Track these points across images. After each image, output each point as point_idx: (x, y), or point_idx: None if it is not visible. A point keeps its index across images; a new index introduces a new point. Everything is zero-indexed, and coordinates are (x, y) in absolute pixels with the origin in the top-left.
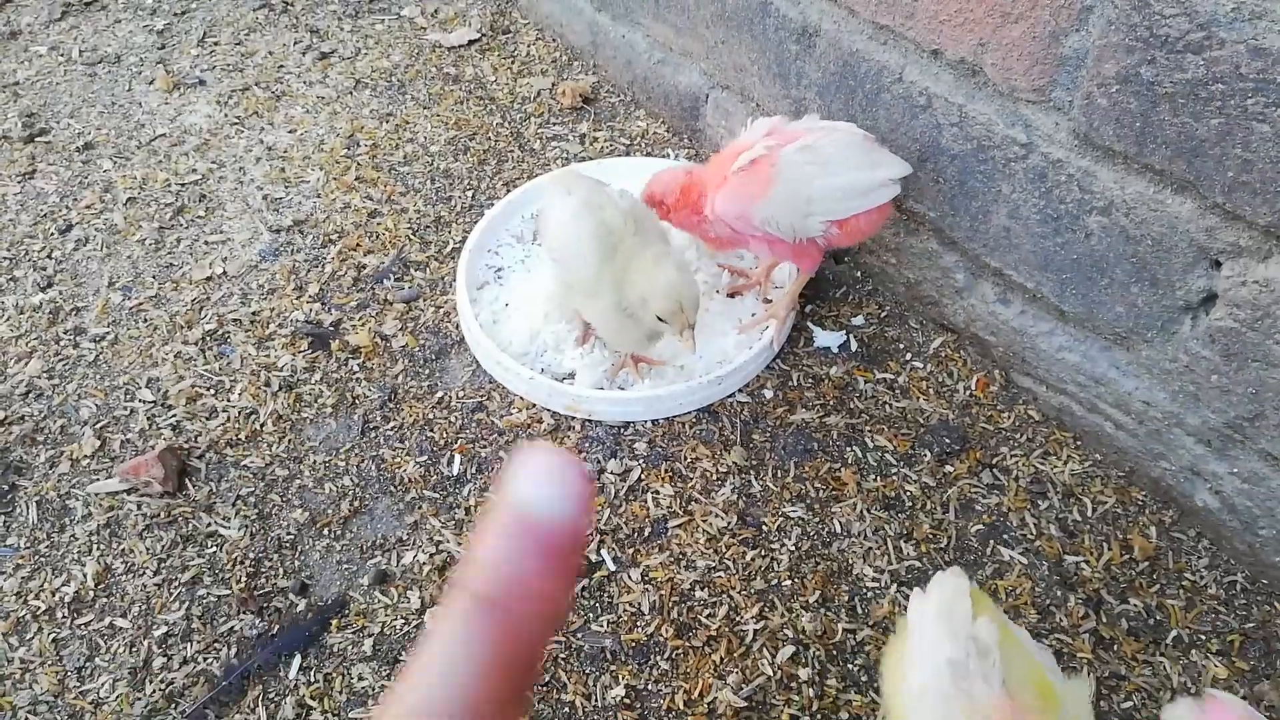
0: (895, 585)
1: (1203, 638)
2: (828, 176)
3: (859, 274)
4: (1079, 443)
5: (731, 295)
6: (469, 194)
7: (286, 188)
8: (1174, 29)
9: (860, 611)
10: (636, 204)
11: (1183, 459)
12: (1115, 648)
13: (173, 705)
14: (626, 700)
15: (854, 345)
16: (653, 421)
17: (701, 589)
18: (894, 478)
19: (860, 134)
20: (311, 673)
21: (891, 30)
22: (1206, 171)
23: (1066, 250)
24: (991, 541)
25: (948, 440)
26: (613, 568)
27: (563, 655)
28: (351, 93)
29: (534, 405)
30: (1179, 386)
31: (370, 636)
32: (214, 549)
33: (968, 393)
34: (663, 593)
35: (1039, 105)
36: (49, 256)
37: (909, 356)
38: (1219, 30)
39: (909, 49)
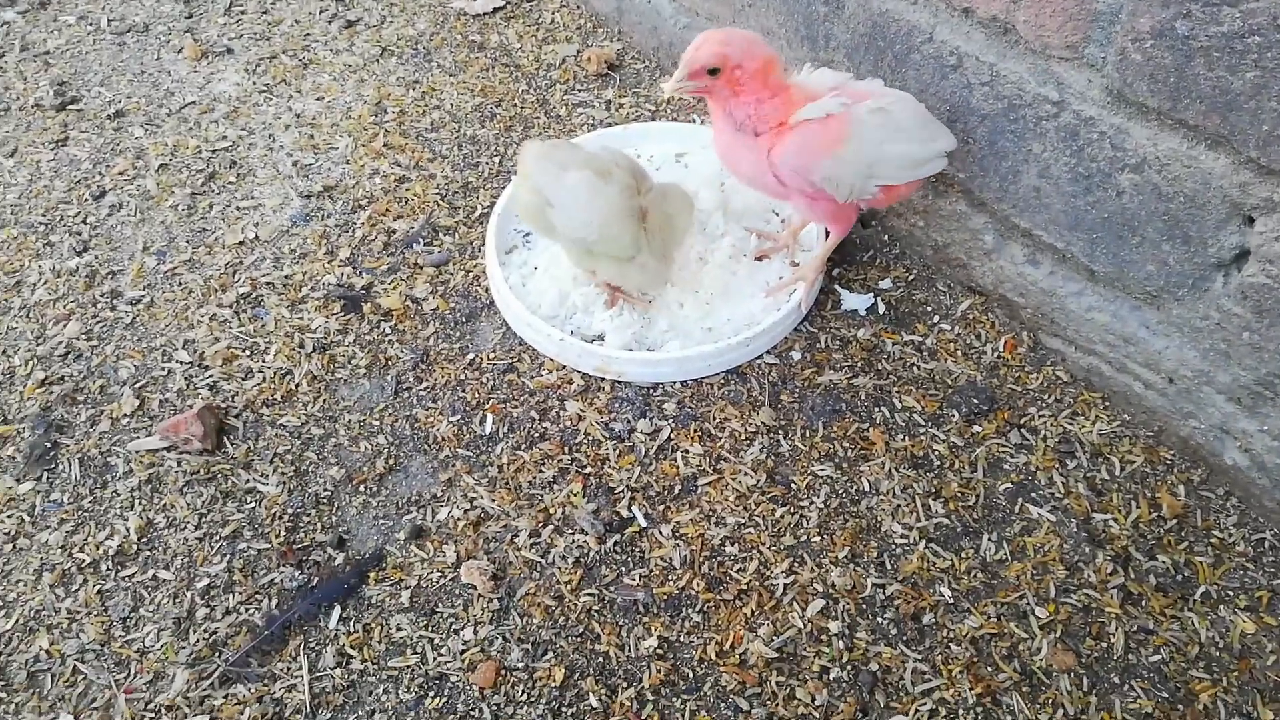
0: (924, 542)
1: (1230, 594)
2: (895, 143)
3: (886, 237)
4: (1107, 403)
5: (759, 259)
6: (496, 160)
7: (316, 154)
8: None
9: (889, 567)
10: (617, 153)
11: (1212, 417)
12: (1143, 603)
13: (216, 654)
14: (659, 651)
15: (881, 308)
16: (681, 383)
17: (732, 545)
18: (922, 437)
19: (918, 104)
20: (351, 623)
21: None
22: (1241, 126)
23: (1097, 209)
24: (1020, 500)
25: (976, 401)
26: (644, 524)
27: (596, 607)
28: (378, 60)
29: (564, 366)
30: (1210, 344)
31: (407, 589)
32: (253, 505)
33: (996, 354)
34: (693, 548)
35: (1071, 63)
36: (84, 222)
37: (937, 319)
38: None
39: (939, 8)
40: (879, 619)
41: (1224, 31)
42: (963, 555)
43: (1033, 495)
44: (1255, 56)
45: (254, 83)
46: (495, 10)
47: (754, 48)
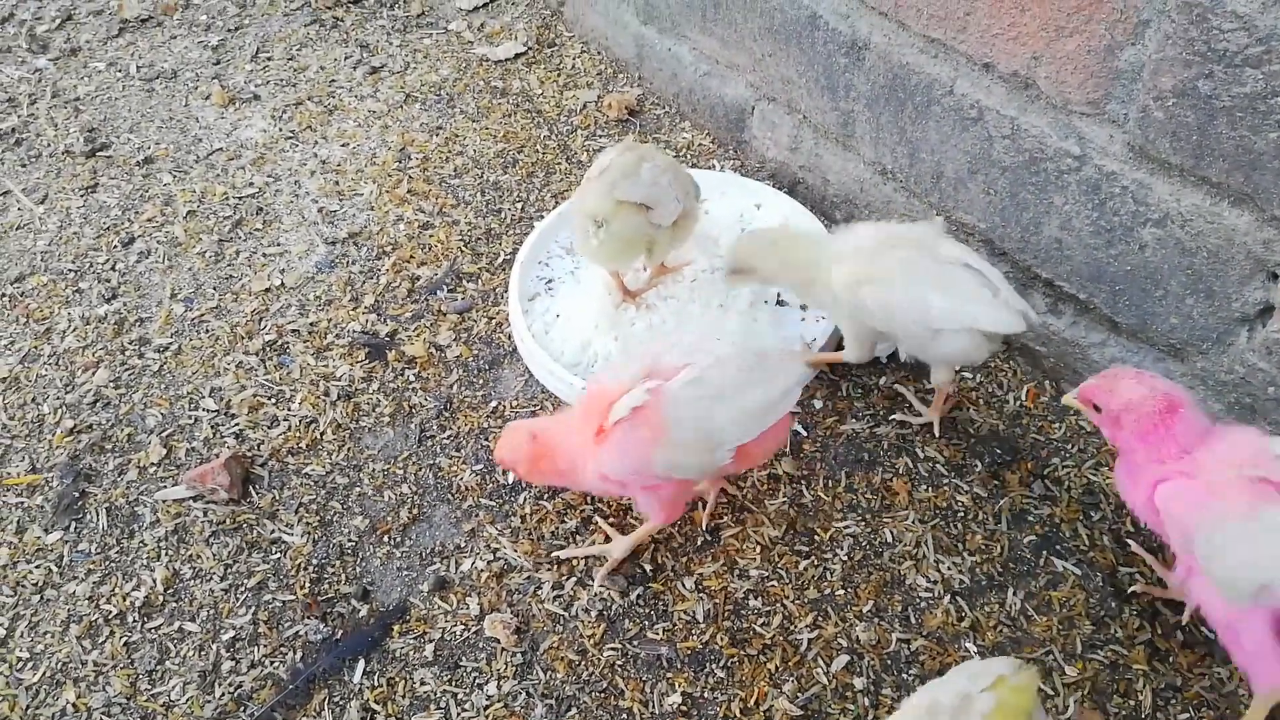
0: (949, 595)
1: None
2: (727, 404)
3: None
4: None
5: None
6: (518, 206)
7: (341, 200)
8: (1233, 43)
9: (914, 621)
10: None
11: None
12: (1171, 659)
13: (241, 708)
14: (683, 708)
15: (902, 354)
16: None
17: (755, 598)
18: (945, 488)
19: (745, 349)
20: (375, 677)
21: (943, 44)
22: (1265, 184)
23: (1119, 262)
24: (1044, 552)
25: (999, 450)
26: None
27: (619, 662)
28: (402, 106)
29: None
30: (1235, 398)
31: (431, 642)
32: (278, 555)
33: (1018, 403)
34: (717, 601)
35: (1093, 118)
36: (113, 269)
37: (959, 367)
38: (1278, 44)
39: (960, 62)
40: (904, 675)
41: (1246, 92)
42: (988, 610)
43: (1057, 548)
44: (1279, 118)
45: (280, 129)
46: (517, 56)
47: (519, 449)
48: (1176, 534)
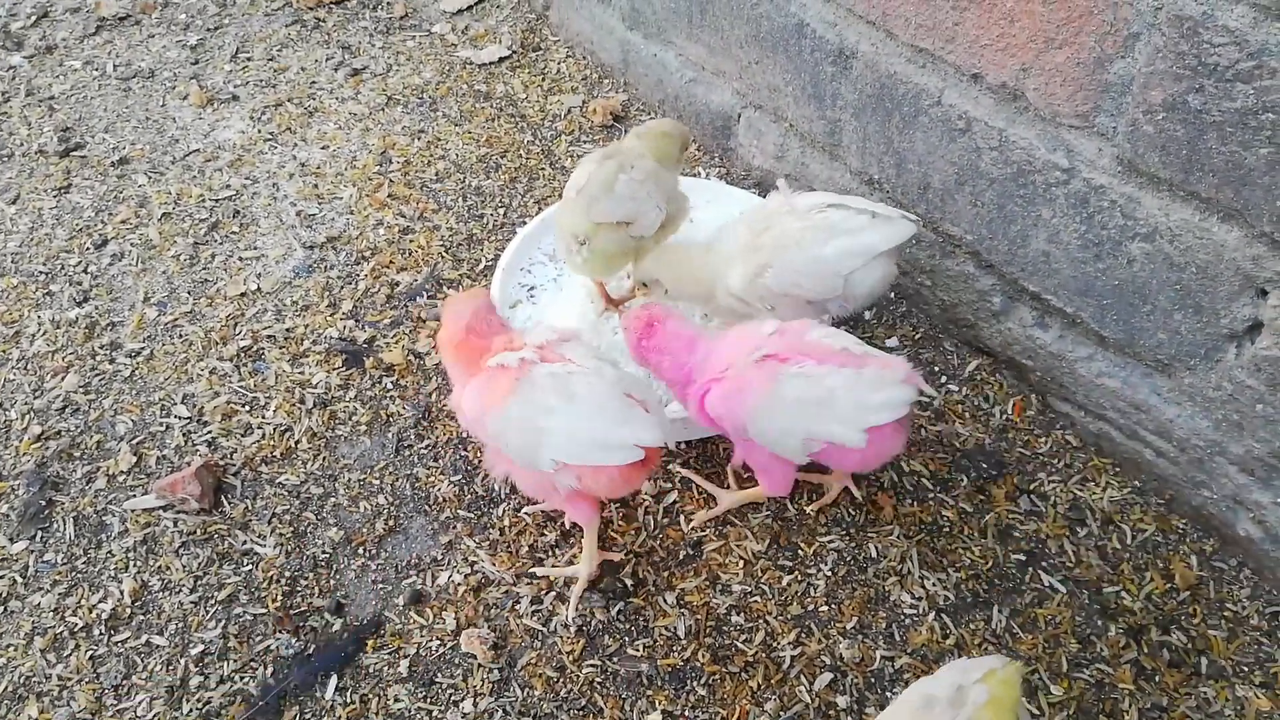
0: (934, 612)
1: (1245, 669)
2: (570, 416)
3: (893, 294)
4: (1118, 469)
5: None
6: (500, 211)
7: (320, 204)
8: (1224, 58)
9: (898, 639)
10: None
11: (1225, 488)
12: (1157, 679)
13: None
14: None
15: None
16: (687, 444)
17: (738, 614)
18: (930, 503)
19: (618, 384)
20: (348, 694)
21: (931, 54)
22: (1255, 200)
23: (1107, 276)
24: (1031, 569)
25: (984, 465)
26: (651, 591)
27: (599, 679)
28: (383, 109)
29: None
30: (1222, 415)
31: (406, 658)
32: (250, 567)
33: (1004, 417)
34: (699, 617)
35: (1082, 131)
36: (85, 271)
37: (944, 379)
38: (1270, 59)
39: (948, 72)
40: (888, 693)
41: (1237, 107)
42: (973, 627)
43: (1044, 564)
44: (1269, 133)
45: (259, 130)
46: (501, 60)
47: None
48: (732, 427)
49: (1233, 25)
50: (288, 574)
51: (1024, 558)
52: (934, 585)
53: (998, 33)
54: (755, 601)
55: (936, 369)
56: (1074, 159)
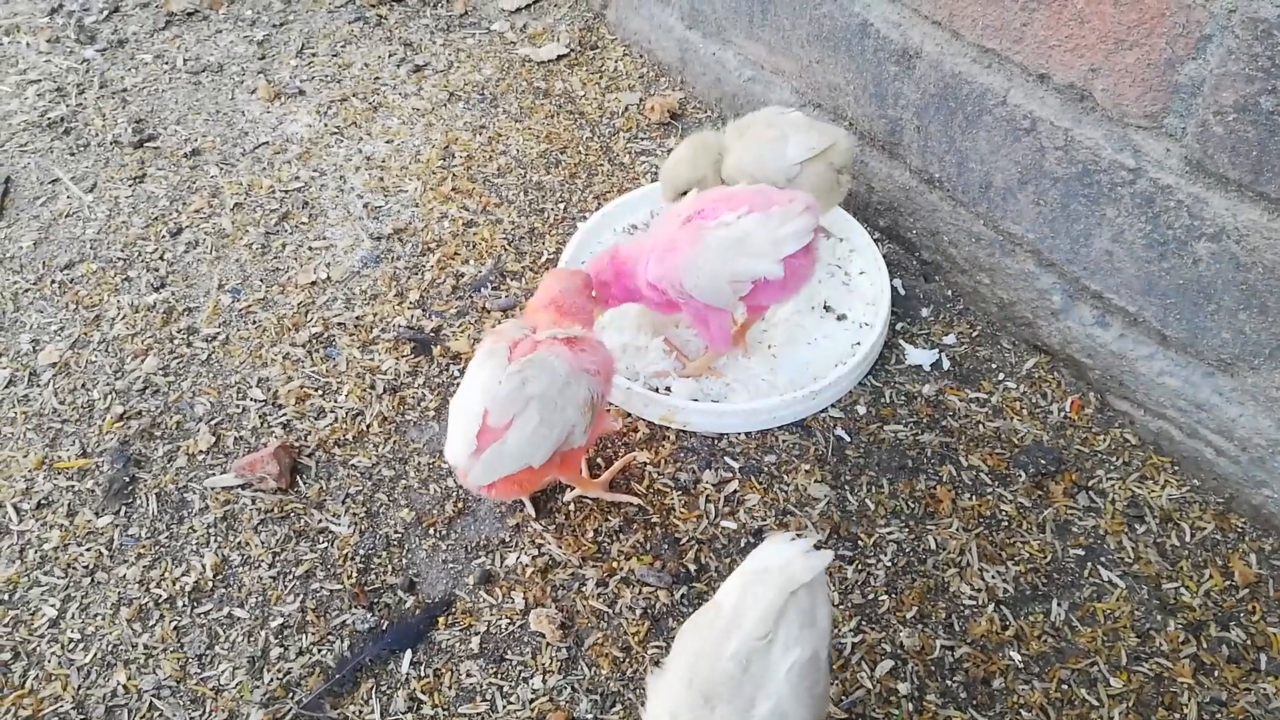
0: (993, 604)
1: None
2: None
3: (950, 292)
4: (1177, 467)
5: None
6: (561, 206)
7: (385, 197)
8: None
9: (958, 629)
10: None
11: None
12: (1216, 674)
13: (289, 694)
14: None
15: (946, 363)
16: (746, 434)
17: None
18: (989, 497)
19: (553, 386)
20: (422, 668)
21: (997, 54)
22: None
23: (1172, 275)
24: (1089, 564)
25: (1043, 461)
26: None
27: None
28: (445, 105)
29: (629, 415)
30: None
31: (477, 635)
32: (326, 545)
33: (1062, 414)
34: None
35: (1150, 131)
36: (161, 258)
37: (1002, 376)
38: None
39: (1014, 72)
40: (948, 681)
41: None
42: (1032, 620)
43: (1102, 559)
44: None
45: (325, 124)
46: (560, 57)
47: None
48: (676, 291)
49: None
50: (362, 552)
51: (1082, 553)
52: (993, 577)
53: (1067, 33)
54: None
55: (994, 366)
56: (1141, 159)
